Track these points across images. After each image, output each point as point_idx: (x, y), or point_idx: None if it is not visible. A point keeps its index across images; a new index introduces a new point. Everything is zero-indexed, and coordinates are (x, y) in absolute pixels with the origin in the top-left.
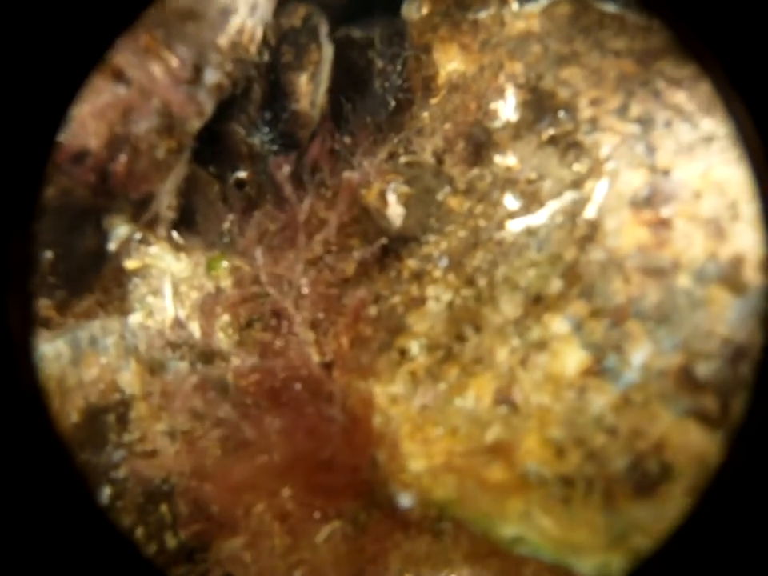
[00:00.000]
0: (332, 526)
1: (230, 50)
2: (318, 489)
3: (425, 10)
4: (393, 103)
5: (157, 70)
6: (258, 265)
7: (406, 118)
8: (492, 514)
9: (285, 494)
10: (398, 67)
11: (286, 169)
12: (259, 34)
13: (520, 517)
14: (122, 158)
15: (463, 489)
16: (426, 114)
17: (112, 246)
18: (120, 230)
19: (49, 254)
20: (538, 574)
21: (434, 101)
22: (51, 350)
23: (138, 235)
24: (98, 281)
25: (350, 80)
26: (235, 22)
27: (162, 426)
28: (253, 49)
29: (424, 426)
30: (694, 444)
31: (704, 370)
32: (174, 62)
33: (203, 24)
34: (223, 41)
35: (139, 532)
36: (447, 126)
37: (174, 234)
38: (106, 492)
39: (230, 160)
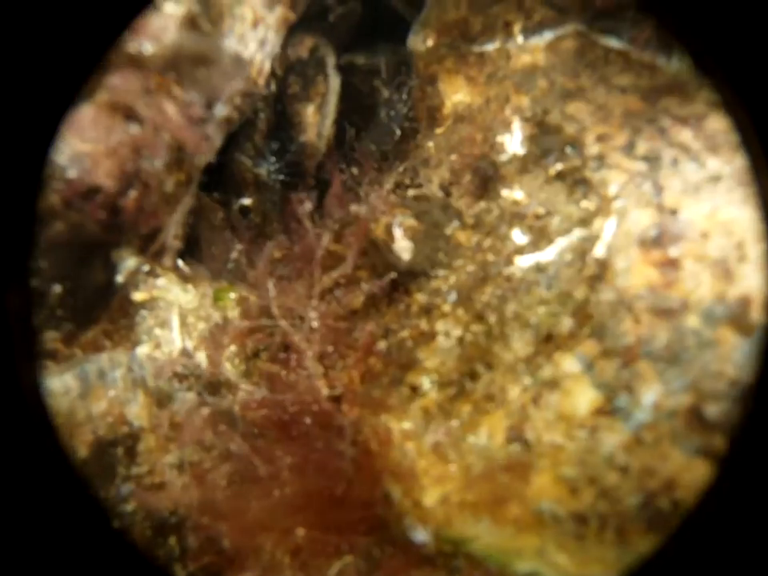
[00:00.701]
0: (344, 562)
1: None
2: (331, 525)
3: (430, 42)
4: (398, 132)
5: (168, 108)
6: (269, 297)
7: (411, 146)
8: (507, 550)
9: (298, 531)
10: (404, 96)
11: (308, 206)
12: (268, 67)
13: (535, 553)
14: (132, 194)
15: (478, 525)
16: (431, 144)
17: (120, 279)
18: (128, 263)
19: (57, 288)
20: None
21: (439, 130)
22: (59, 385)
23: (146, 267)
24: (106, 312)
25: (354, 108)
26: (245, 57)
27: (170, 459)
28: (261, 82)
29: (438, 462)
30: (703, 482)
31: (713, 410)
32: (185, 100)
33: (215, 71)
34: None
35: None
36: (453, 157)
37: (180, 262)
38: (114, 526)
39: (235, 187)
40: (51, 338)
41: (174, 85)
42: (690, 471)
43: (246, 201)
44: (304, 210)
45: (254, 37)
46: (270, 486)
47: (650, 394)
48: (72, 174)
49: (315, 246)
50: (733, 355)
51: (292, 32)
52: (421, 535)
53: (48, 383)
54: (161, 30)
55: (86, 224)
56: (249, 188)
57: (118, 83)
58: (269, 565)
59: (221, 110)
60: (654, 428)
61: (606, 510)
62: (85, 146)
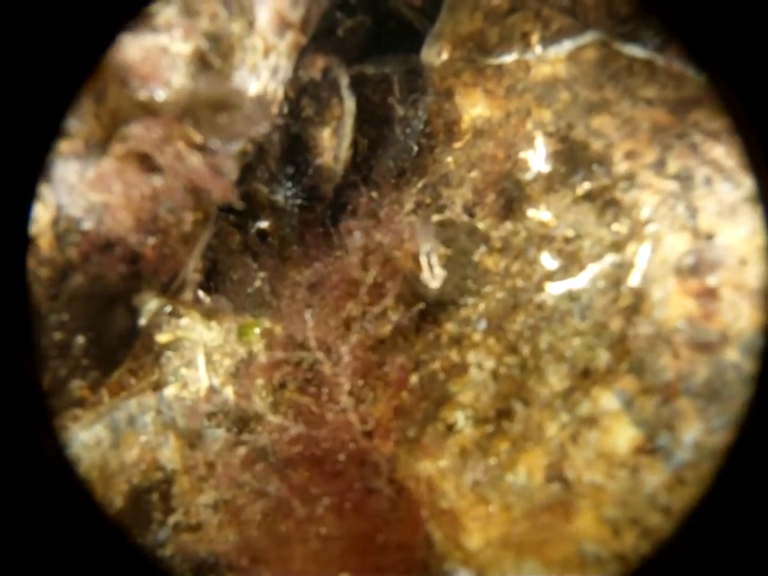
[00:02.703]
0: None
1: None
2: (371, 567)
3: (445, 55)
4: (416, 148)
5: (189, 157)
6: (306, 328)
7: (429, 161)
8: None
9: None
10: (419, 112)
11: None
12: (281, 94)
13: None
14: (151, 241)
15: (521, 567)
16: (450, 159)
17: (143, 321)
18: (149, 305)
19: (80, 339)
20: None
21: (458, 145)
22: (90, 437)
23: (168, 308)
24: (131, 356)
25: (367, 118)
26: (258, 88)
27: (204, 499)
28: (275, 110)
29: (477, 502)
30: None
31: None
32: (206, 147)
33: (237, 116)
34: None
35: None
36: (474, 173)
37: (201, 293)
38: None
39: (251, 211)
40: (77, 387)
41: (193, 131)
42: None
43: (263, 224)
44: (323, 259)
45: (266, 66)
46: (309, 528)
47: (691, 433)
48: (88, 225)
49: (343, 275)
50: None
51: (302, 52)
52: None
53: (79, 436)
54: (169, 70)
55: (106, 274)
56: (265, 211)
57: (135, 133)
58: None
59: (236, 145)
60: (696, 467)
61: (649, 550)
62: (100, 196)
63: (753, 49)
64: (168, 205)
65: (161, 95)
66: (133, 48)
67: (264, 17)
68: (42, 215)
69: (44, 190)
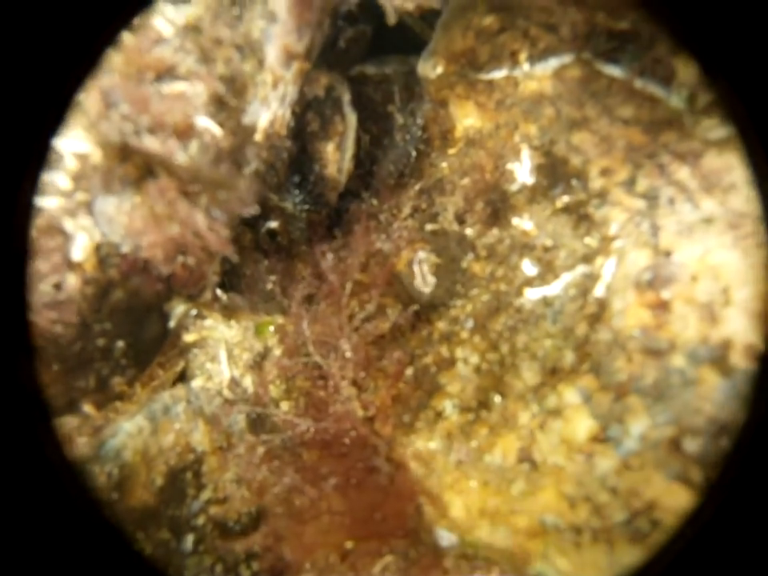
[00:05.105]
0: (385, 561)
1: (266, 141)
2: (373, 532)
3: (440, 69)
4: (414, 153)
5: (195, 214)
6: (305, 335)
7: (426, 164)
8: (518, 553)
9: (347, 544)
10: (418, 120)
11: (330, 258)
12: (288, 116)
13: (540, 557)
14: (180, 259)
15: (494, 533)
16: (444, 165)
17: (172, 324)
18: (178, 309)
19: (120, 343)
20: None
21: (451, 151)
22: (133, 427)
23: (194, 311)
24: (160, 353)
25: (368, 116)
26: (268, 117)
27: (229, 476)
28: (284, 132)
29: (461, 478)
30: (680, 505)
31: (691, 443)
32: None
33: (232, 196)
34: (259, 136)
35: (218, 569)
36: (466, 181)
37: (219, 292)
38: (190, 539)
39: (262, 213)
40: (117, 383)
41: (198, 197)
42: (669, 495)
43: (273, 224)
44: (327, 263)
45: (275, 96)
46: (319, 505)
47: (638, 426)
48: (125, 249)
49: (343, 281)
50: (712, 394)
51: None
52: (448, 540)
53: (124, 426)
54: (188, 112)
55: (142, 290)
56: (274, 211)
57: (154, 189)
58: (323, 568)
59: (250, 168)
60: (640, 456)
61: (598, 524)
62: (135, 226)
63: (760, 56)
64: (182, 239)
65: (179, 159)
66: (156, 97)
67: (272, 53)
68: (86, 242)
69: (87, 221)
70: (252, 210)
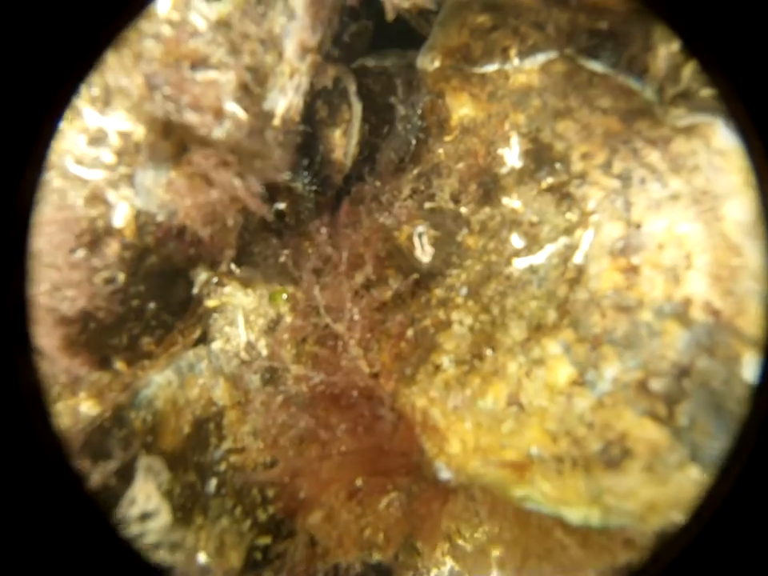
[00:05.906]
0: (390, 496)
1: (282, 126)
2: (379, 470)
3: (437, 63)
4: (414, 141)
5: (233, 179)
6: (317, 301)
7: (424, 151)
8: (507, 481)
9: (357, 481)
10: (418, 111)
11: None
12: (301, 104)
13: (527, 483)
14: (208, 230)
15: (487, 465)
16: (441, 151)
17: (196, 290)
18: (201, 277)
19: (152, 305)
20: (541, 521)
21: (448, 138)
22: (163, 379)
23: (215, 279)
24: (185, 317)
25: (369, 106)
26: (285, 104)
27: (247, 428)
28: (298, 118)
29: (457, 421)
30: (648, 435)
31: (657, 384)
32: (242, 174)
33: (267, 164)
34: (277, 121)
35: (237, 511)
36: (461, 165)
37: (233, 266)
38: (213, 482)
39: (273, 196)
40: (146, 343)
41: (237, 165)
42: (638, 427)
43: (281, 206)
44: (332, 239)
45: (291, 85)
46: (331, 447)
47: (611, 371)
48: (161, 218)
49: (351, 250)
50: (675, 343)
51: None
52: (446, 474)
53: (155, 379)
54: (216, 99)
55: (173, 255)
56: (281, 192)
57: (196, 160)
58: (333, 505)
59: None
60: (613, 395)
61: (577, 453)
62: (171, 197)
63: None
64: (220, 203)
65: (216, 133)
66: (192, 83)
67: (290, 47)
68: (127, 211)
69: (128, 192)
70: (285, 176)
